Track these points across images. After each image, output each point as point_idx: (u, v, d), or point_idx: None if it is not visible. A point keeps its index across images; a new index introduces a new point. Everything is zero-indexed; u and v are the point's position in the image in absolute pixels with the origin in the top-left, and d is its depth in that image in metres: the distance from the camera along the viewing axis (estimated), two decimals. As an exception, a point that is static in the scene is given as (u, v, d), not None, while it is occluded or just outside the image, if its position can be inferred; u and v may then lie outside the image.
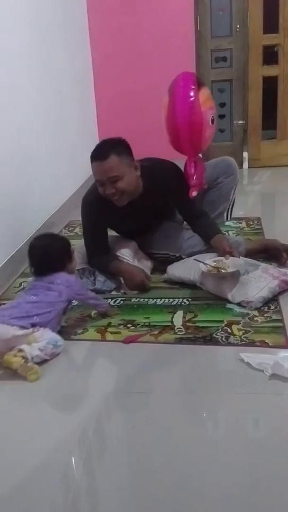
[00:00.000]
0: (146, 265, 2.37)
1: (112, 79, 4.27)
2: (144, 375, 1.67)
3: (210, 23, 4.20)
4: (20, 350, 1.62)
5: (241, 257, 2.17)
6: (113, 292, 2.23)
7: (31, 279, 2.00)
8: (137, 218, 2.30)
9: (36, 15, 2.99)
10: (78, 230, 3.14)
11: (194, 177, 2.24)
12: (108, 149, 2.06)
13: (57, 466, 1.32)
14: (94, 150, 2.10)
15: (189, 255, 2.29)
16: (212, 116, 2.21)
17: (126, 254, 2.34)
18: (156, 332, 1.88)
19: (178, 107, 2.17)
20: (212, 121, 2.20)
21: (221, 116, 4.38)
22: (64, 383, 1.64)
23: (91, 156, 2.09)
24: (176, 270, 2.27)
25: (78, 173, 3.91)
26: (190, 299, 2.11)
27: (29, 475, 1.28)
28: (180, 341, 1.82)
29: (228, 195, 2.67)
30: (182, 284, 2.22)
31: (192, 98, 2.16)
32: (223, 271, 2.06)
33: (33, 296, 1.80)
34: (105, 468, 1.30)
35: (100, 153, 2.07)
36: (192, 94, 2.17)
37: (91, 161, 2.09)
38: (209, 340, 1.81)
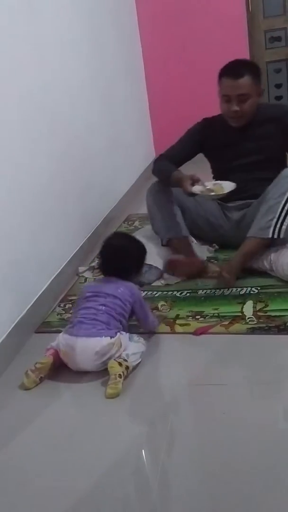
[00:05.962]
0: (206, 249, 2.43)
1: (164, 64, 4.23)
2: (218, 367, 1.63)
3: (262, 3, 4.09)
4: (125, 360, 1.56)
5: None
6: (153, 284, 2.21)
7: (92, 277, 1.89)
8: (237, 151, 2.28)
9: (88, 12, 2.99)
10: (138, 223, 3.13)
11: None
12: (244, 69, 2.14)
13: (135, 460, 1.31)
14: (228, 67, 2.15)
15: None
16: None
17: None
18: (226, 323, 1.83)
19: None
20: None
21: (278, 98, 4.24)
22: (136, 377, 1.63)
23: (222, 72, 2.15)
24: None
25: (135, 166, 3.91)
26: (259, 288, 2.04)
27: (107, 469, 1.28)
28: (252, 331, 1.77)
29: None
30: (249, 272, 2.15)
31: None
32: (212, 194, 2.09)
33: (102, 306, 1.69)
34: (185, 461, 1.28)
35: (235, 71, 2.13)
36: None
37: (222, 76, 2.15)
38: (283, 329, 1.74)
